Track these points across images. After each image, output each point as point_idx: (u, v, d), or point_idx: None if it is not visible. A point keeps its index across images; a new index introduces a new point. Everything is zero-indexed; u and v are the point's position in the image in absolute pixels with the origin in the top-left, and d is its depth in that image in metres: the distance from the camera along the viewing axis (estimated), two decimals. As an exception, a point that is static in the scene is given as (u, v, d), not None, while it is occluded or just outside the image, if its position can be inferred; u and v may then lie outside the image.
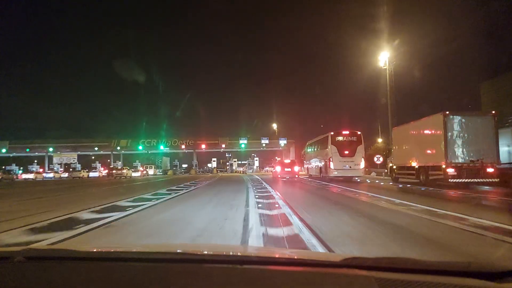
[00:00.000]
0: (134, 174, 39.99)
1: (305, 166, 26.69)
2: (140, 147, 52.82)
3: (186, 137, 54.56)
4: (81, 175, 39.67)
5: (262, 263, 1.11)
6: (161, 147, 53.58)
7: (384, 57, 25.86)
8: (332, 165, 17.34)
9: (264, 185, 15.10)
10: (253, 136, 56.86)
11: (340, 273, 0.99)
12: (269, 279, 0.97)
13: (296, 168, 23.42)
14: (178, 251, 1.39)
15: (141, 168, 47.79)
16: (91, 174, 44.16)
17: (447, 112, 12.22)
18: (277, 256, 1.34)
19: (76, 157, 50.09)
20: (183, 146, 53.94)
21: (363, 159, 17.69)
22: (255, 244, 3.80)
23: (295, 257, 1.28)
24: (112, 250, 1.37)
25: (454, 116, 12.20)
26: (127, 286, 0.95)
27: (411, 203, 7.38)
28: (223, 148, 55.36)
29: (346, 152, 17.42)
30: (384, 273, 0.94)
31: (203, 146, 54.46)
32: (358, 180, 18.13)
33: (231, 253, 1.35)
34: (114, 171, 34.85)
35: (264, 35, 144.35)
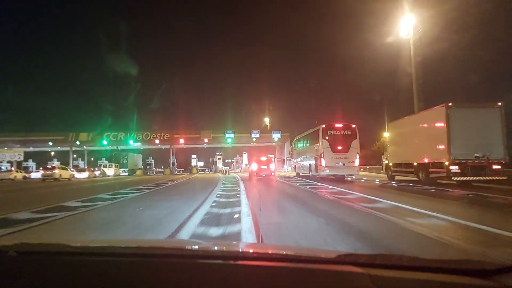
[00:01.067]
0: (79, 176, 30.95)
1: (292, 164, 24.90)
2: (105, 142, 43.74)
3: (161, 131, 45.72)
4: (12, 176, 30.33)
5: (256, 259, 1.12)
6: (130, 142, 44.65)
7: (407, 23, 19.59)
8: (323, 162, 15.60)
9: (238, 189, 11.97)
10: (241, 130, 48.60)
11: (335, 269, 0.99)
12: (264, 275, 0.97)
13: (272, 166, 22.29)
14: (172, 246, 1.45)
15: (86, 167, 38.44)
16: (34, 175, 34.68)
17: (450, 104, 11.39)
18: (271, 252, 1.33)
19: (22, 154, 40.48)
20: (157, 141, 45.18)
21: (358, 156, 15.89)
22: None
23: (290, 253, 1.28)
24: (106, 245, 1.37)
25: (458, 109, 11.43)
26: (121, 281, 0.95)
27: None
28: (205, 143, 46.85)
29: (339, 147, 15.70)
30: (378, 270, 0.94)
31: (181, 140, 45.86)
32: (354, 177, 17.04)
33: (225, 249, 1.34)
34: (44, 172, 26.01)
35: (255, 18, 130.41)
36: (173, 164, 48.67)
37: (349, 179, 16.80)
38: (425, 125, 13.05)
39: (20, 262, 1.09)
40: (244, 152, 54.24)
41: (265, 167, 21.37)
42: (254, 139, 47.83)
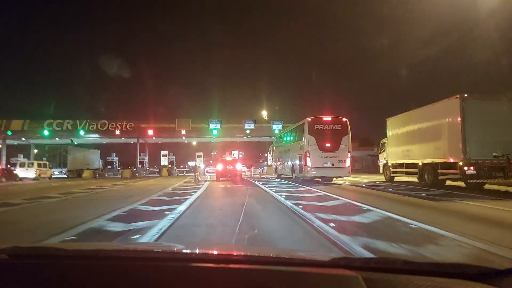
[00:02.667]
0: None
1: (273, 164, 22.53)
2: (46, 132, 32.56)
3: (123, 119, 34.56)
4: None
5: (249, 263, 1.11)
6: (81, 133, 33.45)
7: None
8: (309, 162, 13.75)
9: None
10: (231, 119, 37.62)
11: (329, 273, 0.99)
12: (257, 278, 0.98)
13: (238, 166, 20.48)
14: (165, 250, 1.44)
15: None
16: None
17: (466, 95, 10.09)
18: (264, 255, 1.32)
19: None
20: (117, 132, 33.99)
21: (350, 155, 14.10)
22: None
23: (283, 257, 1.25)
24: (99, 249, 1.37)
25: (475, 100, 10.11)
26: (114, 285, 0.96)
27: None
28: (183, 135, 35.71)
29: (328, 144, 13.91)
30: (372, 273, 0.94)
31: (150, 132, 34.76)
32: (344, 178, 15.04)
33: (217, 252, 1.34)
34: None
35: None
36: (142, 163, 37.58)
37: (339, 181, 14.83)
38: (435, 119, 11.54)
39: (11, 266, 1.09)
40: (241, 153, 42.62)
41: (231, 167, 19.82)
42: (248, 131, 36.79)
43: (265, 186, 13.19)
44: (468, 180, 10.11)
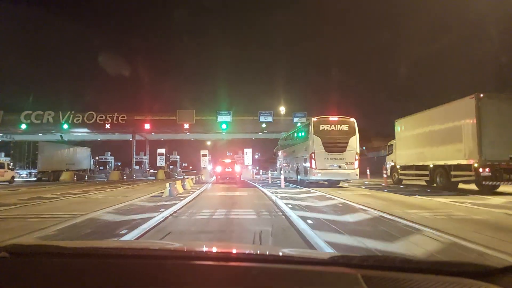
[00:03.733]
0: None
1: (277, 166, 21.96)
2: (23, 126, 27.40)
3: (114, 111, 29.00)
4: None
5: (248, 261, 1.13)
6: (65, 127, 28.10)
7: None
8: (314, 164, 13.20)
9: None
10: (244, 112, 31.51)
11: (328, 271, 1.00)
12: (256, 277, 0.98)
13: (237, 168, 20.55)
14: (165, 248, 1.45)
15: None
16: None
17: (482, 95, 9.79)
18: (263, 253, 1.38)
19: None
20: (107, 126, 28.40)
21: (357, 156, 13.48)
22: None
23: (282, 255, 1.30)
24: (100, 247, 1.40)
25: (492, 100, 9.88)
26: (115, 282, 0.96)
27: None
28: (186, 130, 29.74)
29: (335, 146, 13.37)
30: (371, 271, 0.95)
31: (147, 125, 29.01)
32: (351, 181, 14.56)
33: (217, 250, 1.36)
34: None
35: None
36: (140, 163, 31.92)
37: (346, 185, 14.44)
38: (448, 120, 11.29)
39: (12, 263, 1.09)
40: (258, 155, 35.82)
41: (229, 169, 19.75)
42: (264, 125, 30.47)
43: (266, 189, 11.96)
44: (483, 182, 9.92)
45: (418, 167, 13.10)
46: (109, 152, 38.46)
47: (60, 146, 28.07)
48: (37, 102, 35.50)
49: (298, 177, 15.55)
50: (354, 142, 13.59)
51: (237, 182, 15.33)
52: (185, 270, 1.03)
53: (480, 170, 9.63)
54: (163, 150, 29.18)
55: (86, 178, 27.75)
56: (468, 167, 10.16)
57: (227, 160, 21.75)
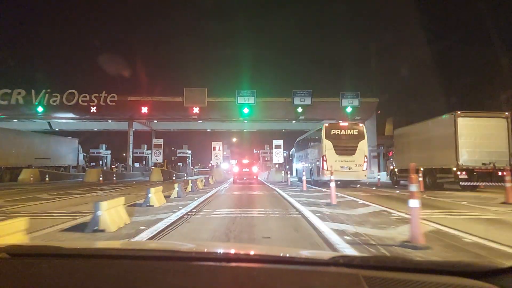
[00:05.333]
0: None
1: (293, 167, 21.99)
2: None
3: (102, 89, 22.25)
4: None
5: (250, 261, 1.14)
6: (39, 109, 21.71)
7: None
8: (326, 166, 13.84)
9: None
10: (271, 92, 23.87)
11: (329, 271, 1.00)
12: (257, 277, 0.98)
13: (255, 169, 20.19)
14: (165, 248, 1.45)
15: None
16: None
17: (459, 112, 12.07)
18: (265, 254, 1.37)
19: None
20: (93, 109, 21.70)
21: (366, 159, 14.46)
22: None
23: (284, 255, 1.30)
24: (99, 247, 1.42)
25: (467, 117, 12.10)
26: (113, 283, 0.96)
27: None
28: (195, 115, 22.43)
29: (345, 149, 14.20)
30: (372, 272, 0.95)
31: (144, 109, 22.04)
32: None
33: (218, 251, 1.37)
34: None
35: None
36: (140, 159, 25.00)
37: (358, 186, 15.09)
38: (434, 132, 13.43)
39: (12, 265, 1.10)
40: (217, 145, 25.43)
41: (247, 169, 19.27)
42: (300, 110, 22.56)
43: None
44: (460, 183, 11.84)
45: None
46: (104, 145, 32.06)
47: (24, 134, 21.47)
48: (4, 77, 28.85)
49: (312, 177, 16.25)
50: (363, 145, 14.34)
51: (254, 188, 13.50)
52: (187, 271, 1.03)
53: (458, 173, 11.63)
54: (160, 141, 21.86)
55: (32, 179, 20.92)
56: (449, 171, 12.11)
57: (245, 161, 20.80)
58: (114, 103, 21.92)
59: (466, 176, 11.46)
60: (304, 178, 13.38)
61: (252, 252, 1.36)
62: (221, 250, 1.38)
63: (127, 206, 5.92)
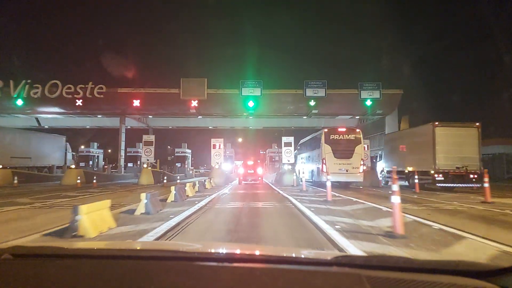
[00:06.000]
0: None
1: (296, 169, 21.84)
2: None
3: (88, 80, 19.83)
4: None
5: (252, 261, 1.15)
6: (18, 102, 19.35)
7: None
8: (325, 168, 14.87)
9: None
10: (280, 83, 21.21)
11: (331, 271, 1.01)
12: (260, 277, 0.98)
13: (260, 170, 20.15)
14: (168, 249, 1.46)
15: None
16: None
17: (437, 123, 13.45)
18: (268, 254, 1.36)
19: None
20: (79, 102, 19.26)
21: (363, 162, 15.54)
22: None
23: (286, 256, 1.31)
24: (101, 248, 1.41)
25: (443, 127, 13.49)
26: (116, 283, 0.96)
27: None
28: (194, 109, 19.83)
29: (343, 153, 15.25)
30: (374, 271, 0.96)
31: (137, 102, 19.55)
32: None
33: (220, 251, 1.39)
34: None
35: None
36: (135, 159, 22.46)
37: (361, 187, 15.90)
38: (416, 139, 15.10)
39: (15, 265, 1.10)
40: (217, 142, 23.11)
41: (252, 171, 19.47)
42: (312, 104, 19.86)
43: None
44: (437, 184, 13.25)
45: (398, 172, 14.53)
46: (95, 143, 29.57)
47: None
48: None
49: (313, 178, 17.27)
50: (360, 149, 15.40)
51: (260, 197, 11.61)
52: (190, 271, 1.03)
53: (436, 175, 13.07)
54: (151, 138, 18.97)
55: (59, 179, 18.50)
56: (427, 173, 13.60)
57: (250, 162, 20.97)
58: (102, 95, 19.48)
59: (442, 178, 13.05)
60: (303, 179, 14.58)
61: (255, 253, 1.37)
62: (224, 251, 1.41)
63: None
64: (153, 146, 18.47)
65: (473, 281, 0.91)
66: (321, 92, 19.79)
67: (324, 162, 15.00)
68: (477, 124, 13.54)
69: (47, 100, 19.69)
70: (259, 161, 29.62)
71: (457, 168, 12.99)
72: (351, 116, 22.85)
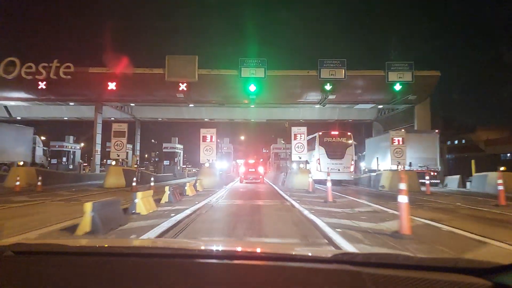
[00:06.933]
0: None
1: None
2: None
3: (53, 57, 16.27)
4: None
5: (252, 259, 1.14)
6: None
7: None
8: (319, 168, 16.43)
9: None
10: (289, 62, 17.41)
11: (331, 268, 1.01)
12: (260, 275, 0.99)
13: (261, 169, 20.45)
14: (168, 246, 1.44)
15: None
16: None
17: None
18: (268, 251, 1.35)
19: None
20: (41, 85, 15.71)
21: (353, 162, 17.33)
22: None
23: (286, 253, 1.30)
24: (103, 245, 1.37)
25: (410, 133, 16.24)
26: (118, 280, 0.96)
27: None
28: (182, 92, 16.21)
29: (335, 153, 16.85)
30: (374, 269, 0.97)
31: (112, 85, 15.96)
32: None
33: (221, 249, 1.35)
34: None
35: None
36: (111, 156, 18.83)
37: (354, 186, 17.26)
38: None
39: (17, 262, 1.10)
40: (207, 132, 19.31)
41: (253, 169, 19.77)
42: (328, 88, 16.19)
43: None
44: None
45: (374, 171, 17.98)
46: (71, 137, 26.04)
47: None
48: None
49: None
50: (351, 150, 17.24)
51: (262, 210, 8.20)
52: (189, 268, 1.03)
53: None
54: (122, 127, 15.10)
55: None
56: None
57: (251, 161, 21.25)
58: (69, 76, 15.90)
59: None
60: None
61: (255, 250, 1.38)
62: (224, 248, 1.39)
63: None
64: (125, 137, 14.81)
65: (472, 278, 0.91)
66: (339, 74, 16.12)
67: (319, 162, 16.72)
68: (437, 131, 17.02)
69: (2, 82, 16.17)
70: (261, 160, 26.93)
71: (420, 167, 15.96)
72: (373, 105, 19.12)
